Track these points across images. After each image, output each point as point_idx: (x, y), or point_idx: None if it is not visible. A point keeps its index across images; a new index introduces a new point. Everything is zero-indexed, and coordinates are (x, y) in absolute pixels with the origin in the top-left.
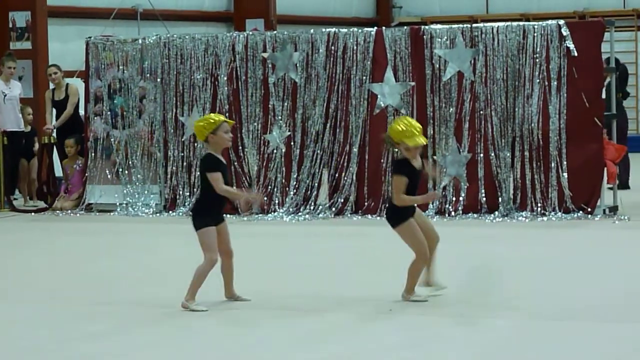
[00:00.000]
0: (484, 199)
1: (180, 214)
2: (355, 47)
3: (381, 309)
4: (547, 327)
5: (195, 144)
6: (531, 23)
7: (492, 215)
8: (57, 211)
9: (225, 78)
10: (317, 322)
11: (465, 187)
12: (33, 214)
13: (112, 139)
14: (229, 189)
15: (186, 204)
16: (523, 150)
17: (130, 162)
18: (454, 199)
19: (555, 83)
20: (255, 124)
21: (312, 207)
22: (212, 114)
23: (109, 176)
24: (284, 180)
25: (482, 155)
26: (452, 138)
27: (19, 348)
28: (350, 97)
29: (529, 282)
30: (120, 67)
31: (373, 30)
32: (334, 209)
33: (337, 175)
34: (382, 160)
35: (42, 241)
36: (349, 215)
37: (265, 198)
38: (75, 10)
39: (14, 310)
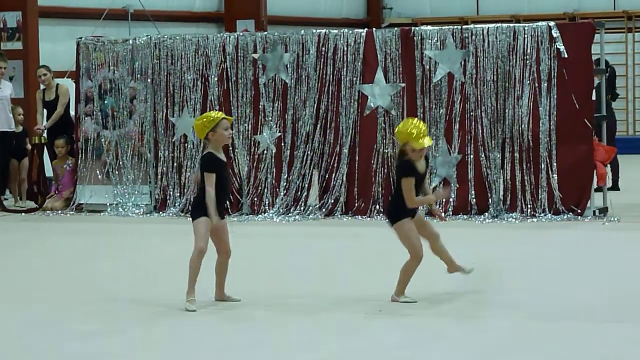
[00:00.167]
0: (474, 200)
1: (171, 214)
2: (345, 48)
3: (376, 309)
4: (542, 327)
5: (186, 145)
6: (521, 24)
7: (482, 216)
8: (48, 211)
9: (216, 79)
10: (310, 322)
11: (456, 188)
12: (23, 214)
13: (102, 140)
14: (208, 197)
15: (176, 204)
16: (513, 151)
17: (120, 163)
18: (443, 200)
19: (546, 84)
20: (246, 124)
21: (302, 208)
22: (211, 112)
23: (99, 176)
24: (274, 181)
25: (472, 156)
26: (442, 139)
27: (11, 348)
28: (341, 98)
29: (523, 283)
30: (111, 68)
31: (363, 31)
32: (324, 209)
33: (327, 176)
34: (372, 162)
35: (33, 241)
36: (339, 216)
37: (256, 199)
38: (66, 10)
39: (5, 310)
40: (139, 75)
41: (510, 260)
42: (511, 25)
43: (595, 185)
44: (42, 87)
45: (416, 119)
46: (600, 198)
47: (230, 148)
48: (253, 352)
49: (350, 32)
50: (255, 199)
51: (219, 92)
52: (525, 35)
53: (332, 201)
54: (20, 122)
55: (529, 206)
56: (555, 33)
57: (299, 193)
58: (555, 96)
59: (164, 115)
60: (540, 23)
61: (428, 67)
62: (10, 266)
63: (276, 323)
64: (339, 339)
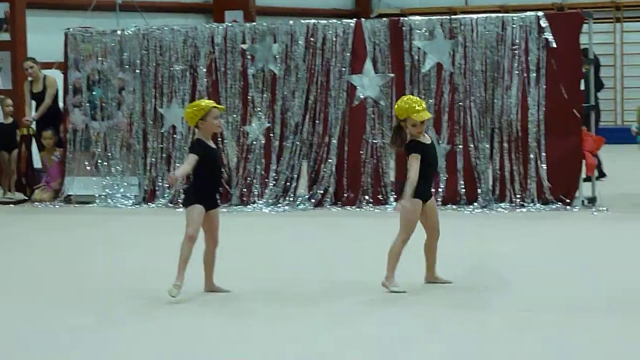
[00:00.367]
0: (463, 190)
1: (160, 205)
2: (334, 39)
3: (368, 300)
4: (536, 320)
5: (175, 136)
6: (510, 15)
7: (471, 206)
8: (36, 203)
9: (205, 69)
10: (303, 314)
11: (445, 178)
12: (12, 205)
13: (91, 131)
14: (182, 171)
15: (165, 195)
16: (502, 141)
17: (109, 154)
18: (432, 190)
19: (534, 75)
20: (235, 115)
21: (291, 199)
22: (202, 100)
23: (88, 168)
24: (263, 172)
25: (461, 146)
26: (431, 129)
27: (1, 342)
28: (330, 88)
29: (514, 275)
30: (99, 59)
31: (352, 22)
32: (313, 200)
33: (316, 166)
34: (361, 152)
35: (22, 233)
36: (328, 206)
37: (245, 190)
38: (54, 1)
39: None
40: (127, 66)
41: (499, 251)
42: (500, 15)
43: (584, 175)
44: (29, 78)
45: (412, 95)
46: (589, 188)
47: (219, 139)
48: (245, 345)
49: (339, 22)
50: (244, 190)
51: (208, 83)
52: (514, 26)
53: (322, 192)
54: (9, 113)
55: (518, 196)
56: (544, 23)
57: (288, 184)
58: (544, 86)
59: (153, 106)
60: (528, 13)
61: (417, 57)
62: None
63: (268, 315)
64: (331, 330)
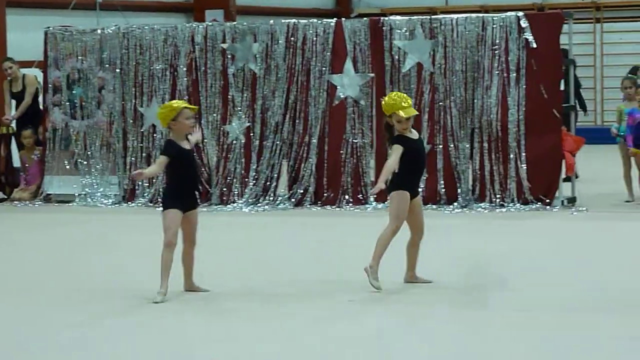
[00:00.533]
0: (443, 190)
1: (140, 204)
2: (314, 39)
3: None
4: (515, 319)
5: (155, 135)
6: (490, 15)
7: (451, 206)
8: (16, 202)
9: (185, 69)
10: (284, 313)
11: (425, 178)
12: None
13: (70, 130)
14: (149, 172)
15: (145, 194)
16: (482, 141)
17: (89, 153)
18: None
19: (514, 75)
20: (215, 114)
21: (271, 198)
22: (174, 101)
23: (67, 167)
24: (243, 171)
25: (441, 146)
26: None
27: None
28: (310, 88)
29: (494, 274)
30: (79, 58)
31: (332, 21)
32: (293, 199)
33: (296, 166)
34: (341, 152)
35: (4, 232)
36: (308, 206)
37: (225, 189)
38: (34, 0)
39: None
40: (107, 65)
41: (480, 251)
42: (480, 15)
43: (563, 175)
44: (8, 78)
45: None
46: (569, 188)
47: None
48: (227, 344)
49: (320, 22)
50: (224, 189)
51: (188, 82)
52: (494, 26)
53: (302, 191)
54: None
55: (497, 196)
56: (524, 23)
57: (268, 183)
58: (524, 86)
59: (133, 105)
60: (509, 13)
61: (397, 57)
62: None
63: (249, 314)
64: (313, 330)
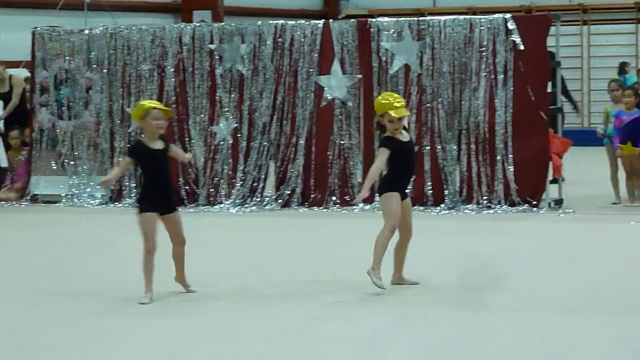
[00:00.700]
0: (430, 191)
1: (126, 205)
2: (302, 40)
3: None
4: (500, 319)
5: (142, 135)
6: (478, 17)
7: (438, 207)
8: (2, 202)
9: (172, 69)
10: (270, 313)
11: (412, 179)
12: None
13: (58, 130)
14: (113, 174)
15: (132, 195)
16: (469, 143)
17: (76, 153)
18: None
19: (502, 76)
20: (202, 115)
21: (258, 199)
22: (145, 100)
23: (54, 167)
24: (230, 172)
25: (428, 148)
26: None
27: None
28: (297, 89)
29: (480, 275)
30: (67, 58)
31: (320, 22)
32: (280, 200)
33: (283, 167)
34: (328, 153)
35: None
36: (295, 207)
37: (212, 190)
38: (22, 0)
39: None
40: (95, 66)
41: (469, 253)
42: (467, 17)
43: (550, 177)
44: None
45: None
46: (556, 190)
47: (187, 139)
48: (217, 345)
49: (307, 23)
50: (212, 190)
51: (176, 83)
52: (482, 28)
53: (289, 192)
54: None
55: (484, 198)
56: (512, 25)
57: (256, 184)
58: (512, 88)
59: (120, 105)
60: (496, 15)
61: (385, 58)
62: None
63: (236, 315)
64: (304, 329)
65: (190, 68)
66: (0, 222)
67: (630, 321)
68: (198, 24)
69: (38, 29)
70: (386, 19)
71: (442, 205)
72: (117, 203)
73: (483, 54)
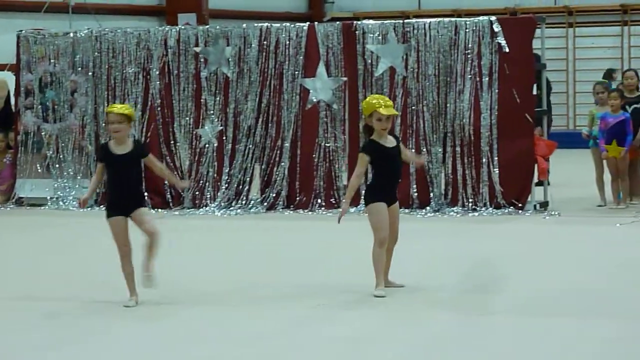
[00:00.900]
0: (416, 194)
1: None
2: (287, 42)
3: (322, 301)
4: (484, 322)
5: (127, 138)
6: (463, 19)
7: (424, 210)
8: None
9: (157, 72)
10: (255, 316)
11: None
12: None
13: (43, 133)
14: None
15: None
16: (454, 145)
17: (61, 156)
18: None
19: (487, 79)
20: (187, 118)
21: (243, 202)
22: (116, 104)
23: (39, 170)
24: (215, 175)
25: (413, 150)
26: None
27: None
28: (283, 92)
29: (465, 278)
30: (52, 61)
31: (305, 25)
32: (265, 203)
33: (269, 170)
34: (313, 155)
35: None
36: (280, 210)
37: (197, 192)
38: (6, 3)
39: None
40: (80, 69)
41: (454, 255)
42: (453, 19)
43: (536, 180)
44: None
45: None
46: (541, 192)
47: (172, 141)
48: (199, 347)
49: (292, 26)
50: (197, 193)
51: (161, 86)
52: (467, 30)
53: (274, 195)
54: None
55: (470, 200)
56: (497, 28)
57: (241, 187)
58: (497, 91)
59: (105, 108)
60: (481, 18)
61: (370, 61)
62: None
63: (222, 317)
64: (287, 331)
65: (176, 71)
66: None
67: (616, 323)
68: (183, 27)
69: (23, 31)
70: (371, 21)
71: (428, 208)
72: (102, 206)
73: (468, 56)
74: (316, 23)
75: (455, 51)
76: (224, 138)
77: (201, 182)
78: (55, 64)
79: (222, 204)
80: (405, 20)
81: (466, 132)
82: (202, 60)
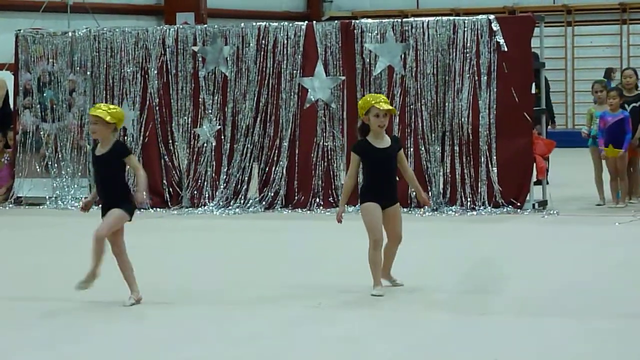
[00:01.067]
0: (414, 193)
1: None
2: (285, 41)
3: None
4: (482, 322)
5: (125, 137)
6: (461, 18)
7: (422, 209)
8: None
9: (156, 71)
10: (251, 316)
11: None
12: None
13: (41, 132)
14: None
15: None
16: (453, 144)
17: (59, 156)
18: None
19: (485, 78)
20: (186, 117)
21: (242, 201)
22: (99, 105)
23: (38, 169)
24: (214, 174)
25: (412, 149)
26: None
27: None
28: (281, 91)
29: (463, 278)
30: (50, 60)
31: (303, 24)
32: (264, 203)
33: (267, 169)
34: (312, 155)
35: None
36: (279, 209)
37: (196, 192)
38: (5, 2)
39: None
40: (78, 68)
41: (450, 255)
42: (451, 18)
43: (534, 179)
44: None
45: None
46: (540, 191)
47: (170, 141)
48: (193, 346)
49: (291, 25)
50: (195, 192)
51: (159, 85)
52: (465, 29)
53: (272, 194)
54: None
55: (468, 199)
56: (495, 27)
57: (239, 186)
58: (495, 89)
59: None
60: (480, 16)
61: (368, 60)
62: None
63: (218, 317)
64: (284, 331)
65: (174, 70)
66: None
67: (615, 322)
68: (181, 26)
69: (21, 31)
70: (370, 20)
71: (426, 207)
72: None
73: (467, 55)
74: (314, 22)
75: (453, 50)
76: (222, 137)
77: (199, 181)
78: (53, 63)
79: (221, 203)
80: (404, 19)
81: (465, 131)
82: (200, 59)
